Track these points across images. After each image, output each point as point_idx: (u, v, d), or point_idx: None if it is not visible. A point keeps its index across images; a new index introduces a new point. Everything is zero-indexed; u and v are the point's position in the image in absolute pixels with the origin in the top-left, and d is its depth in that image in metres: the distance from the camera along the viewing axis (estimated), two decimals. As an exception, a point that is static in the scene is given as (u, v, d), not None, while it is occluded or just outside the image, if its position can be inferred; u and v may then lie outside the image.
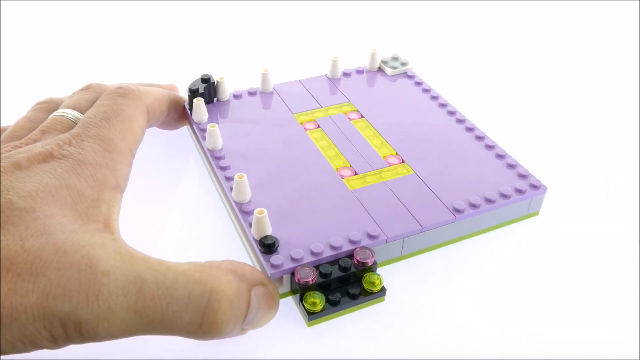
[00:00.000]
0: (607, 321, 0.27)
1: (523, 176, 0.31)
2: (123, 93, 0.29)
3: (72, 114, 0.28)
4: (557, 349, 0.26)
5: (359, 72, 0.41)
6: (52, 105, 0.30)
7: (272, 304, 0.24)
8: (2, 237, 0.20)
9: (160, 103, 0.32)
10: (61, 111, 0.28)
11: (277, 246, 0.26)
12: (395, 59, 0.42)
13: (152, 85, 0.36)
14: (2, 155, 0.24)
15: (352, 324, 0.26)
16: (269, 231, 0.27)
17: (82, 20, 0.55)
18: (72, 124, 0.28)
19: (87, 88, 0.31)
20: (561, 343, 0.26)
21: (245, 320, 0.23)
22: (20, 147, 0.25)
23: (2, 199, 0.21)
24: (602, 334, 0.26)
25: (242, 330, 0.24)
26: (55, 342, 0.20)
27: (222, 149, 0.33)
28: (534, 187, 0.31)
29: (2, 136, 0.28)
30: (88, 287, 0.20)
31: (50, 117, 0.28)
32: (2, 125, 0.31)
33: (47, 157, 0.24)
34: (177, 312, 0.21)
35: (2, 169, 0.23)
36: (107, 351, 0.24)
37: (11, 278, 0.19)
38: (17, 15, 0.56)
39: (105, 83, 0.33)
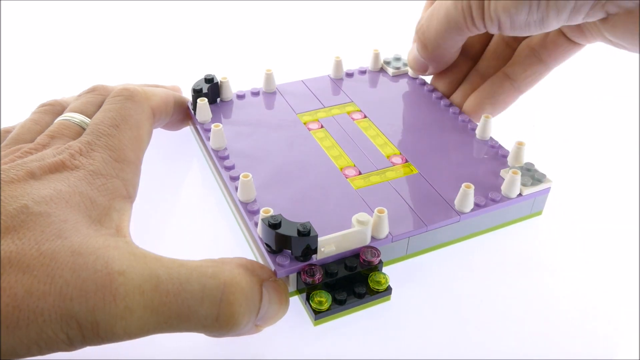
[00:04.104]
0: (609, 321, 0.27)
1: (526, 176, 0.32)
2: (130, 96, 0.29)
3: (79, 118, 0.28)
4: (560, 348, 0.26)
5: (362, 72, 0.41)
6: (57, 108, 0.30)
7: (283, 299, 0.25)
8: (18, 241, 0.20)
9: (166, 105, 0.32)
10: (67, 115, 0.28)
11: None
12: (397, 59, 0.42)
13: (157, 86, 0.36)
14: (15, 162, 0.24)
15: (358, 323, 0.26)
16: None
17: (85, 21, 0.55)
18: (79, 128, 0.28)
19: (92, 90, 0.31)
20: (563, 342, 0.26)
21: (258, 314, 0.23)
22: (30, 152, 0.25)
23: (17, 204, 0.21)
24: (603, 333, 0.27)
25: (257, 327, 0.24)
26: (72, 344, 0.20)
27: (226, 148, 0.33)
28: (537, 186, 0.31)
29: (9, 138, 0.28)
30: (104, 287, 0.20)
31: (56, 121, 0.28)
32: (5, 125, 0.31)
33: (59, 167, 0.24)
34: (193, 307, 0.21)
35: (16, 178, 0.23)
36: (117, 353, 0.24)
37: (27, 281, 0.19)
38: (18, 15, 0.56)
39: (109, 84, 0.33)
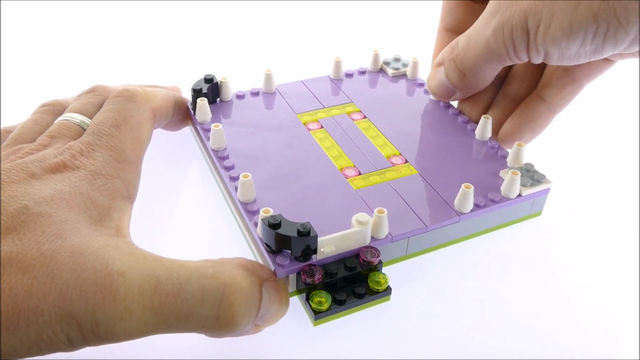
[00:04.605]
0: (609, 321, 0.27)
1: (526, 176, 0.32)
2: (130, 96, 0.29)
3: (79, 118, 0.28)
4: (560, 348, 0.26)
5: (361, 72, 0.41)
6: (57, 108, 0.30)
7: (283, 299, 0.25)
8: (18, 241, 0.20)
9: (166, 105, 0.32)
10: (68, 115, 0.28)
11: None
12: (397, 59, 0.42)
13: (156, 87, 0.36)
14: (15, 162, 0.24)
15: (358, 323, 0.27)
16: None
17: (85, 21, 0.55)
18: (80, 128, 0.28)
19: (92, 91, 0.31)
20: (563, 342, 0.26)
21: (258, 314, 0.23)
22: (31, 152, 0.25)
23: (17, 205, 0.22)
24: (603, 333, 0.27)
25: (256, 327, 0.24)
26: (72, 344, 0.20)
27: (226, 148, 0.33)
28: (537, 187, 0.31)
29: (9, 138, 0.28)
30: (104, 287, 0.20)
31: (56, 121, 0.28)
32: (5, 125, 0.31)
33: (60, 167, 0.24)
34: (192, 307, 0.21)
35: (17, 178, 0.23)
36: (117, 353, 0.24)
37: (28, 281, 0.19)
38: (19, 15, 0.56)
39: (109, 84, 0.33)
